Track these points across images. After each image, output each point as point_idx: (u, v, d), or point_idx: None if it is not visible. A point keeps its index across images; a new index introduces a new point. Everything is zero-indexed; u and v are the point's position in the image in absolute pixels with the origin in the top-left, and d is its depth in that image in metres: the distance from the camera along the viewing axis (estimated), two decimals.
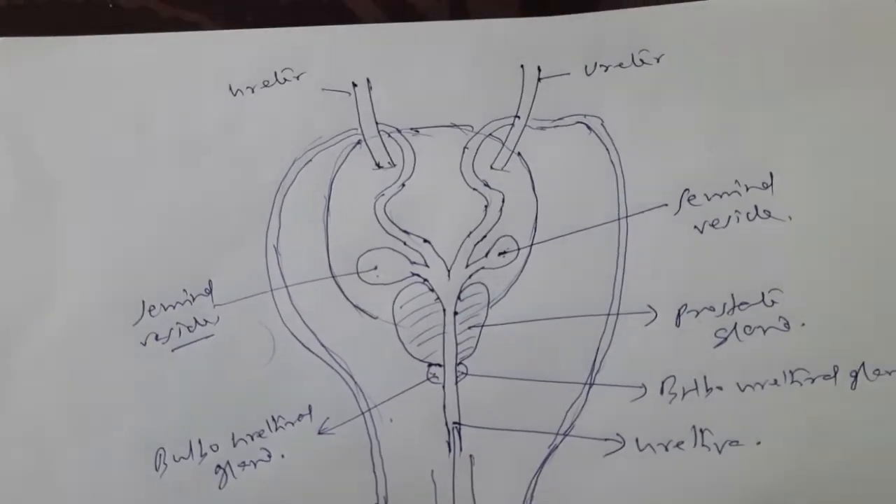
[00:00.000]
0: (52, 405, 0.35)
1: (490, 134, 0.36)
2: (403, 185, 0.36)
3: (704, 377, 0.34)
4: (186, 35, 0.37)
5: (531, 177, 0.35)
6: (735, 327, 0.34)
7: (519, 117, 0.36)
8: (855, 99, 0.35)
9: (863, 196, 0.34)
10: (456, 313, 0.35)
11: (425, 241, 0.36)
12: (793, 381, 0.34)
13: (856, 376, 0.34)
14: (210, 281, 0.36)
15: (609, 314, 0.35)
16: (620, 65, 0.35)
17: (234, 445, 0.35)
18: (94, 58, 0.37)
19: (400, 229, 0.36)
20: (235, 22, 0.37)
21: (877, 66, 0.35)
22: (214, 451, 0.35)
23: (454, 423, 0.35)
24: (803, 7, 0.35)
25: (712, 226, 0.35)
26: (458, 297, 0.35)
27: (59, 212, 0.36)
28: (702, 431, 0.34)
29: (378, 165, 0.36)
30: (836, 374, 0.34)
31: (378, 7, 0.37)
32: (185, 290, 0.36)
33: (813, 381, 0.34)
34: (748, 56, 0.35)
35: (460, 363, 0.35)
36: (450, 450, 0.35)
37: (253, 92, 0.36)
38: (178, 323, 0.35)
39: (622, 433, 0.34)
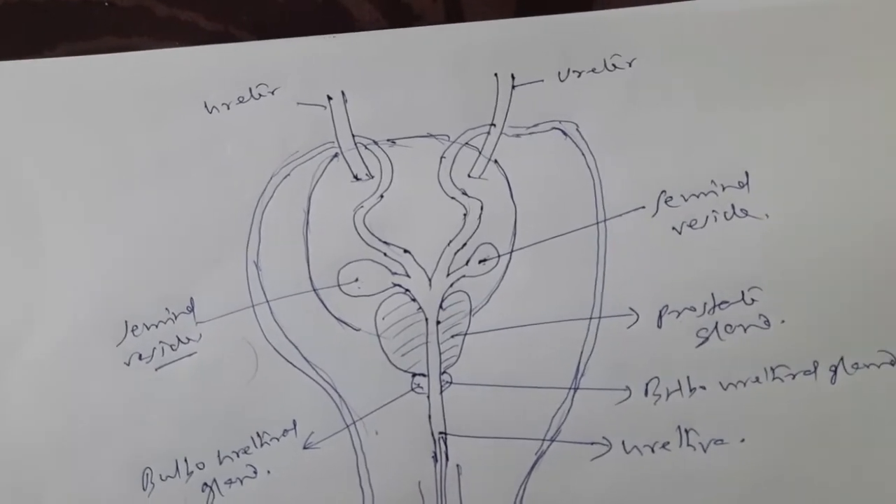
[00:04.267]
0: (38, 428, 0.35)
1: (466, 143, 0.36)
2: (382, 196, 0.36)
3: (688, 377, 0.34)
4: (159, 53, 0.37)
5: (509, 184, 0.36)
6: (716, 326, 0.34)
7: (494, 125, 0.36)
8: (827, 97, 0.35)
9: (838, 191, 0.35)
10: (438, 322, 0.35)
11: (405, 251, 0.36)
12: (774, 378, 0.34)
13: (835, 371, 0.34)
14: (192, 299, 0.36)
15: (591, 318, 0.35)
16: (593, 70, 0.35)
17: (220, 463, 0.35)
18: (69, 80, 0.36)
19: (380, 240, 0.36)
20: (231, 21, 0.37)
21: (849, 64, 0.35)
22: (201, 468, 0.35)
23: (440, 433, 0.35)
24: (774, 7, 0.35)
25: (690, 226, 0.35)
26: (440, 306, 0.35)
27: (40, 234, 0.36)
28: (687, 431, 0.34)
29: (356, 178, 0.36)
30: (816, 369, 0.34)
31: (373, 7, 0.37)
32: (167, 309, 0.36)
33: (794, 377, 0.34)
34: (720, 57, 0.35)
35: (444, 372, 0.35)
36: (436, 460, 0.35)
37: (228, 108, 0.36)
38: (161, 342, 0.35)
39: (608, 436, 0.34)
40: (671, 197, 0.35)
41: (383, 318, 0.35)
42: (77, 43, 0.37)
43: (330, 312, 0.35)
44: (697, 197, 0.35)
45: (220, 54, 0.36)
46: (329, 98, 0.36)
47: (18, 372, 0.35)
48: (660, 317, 0.35)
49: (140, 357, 0.35)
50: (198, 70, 0.36)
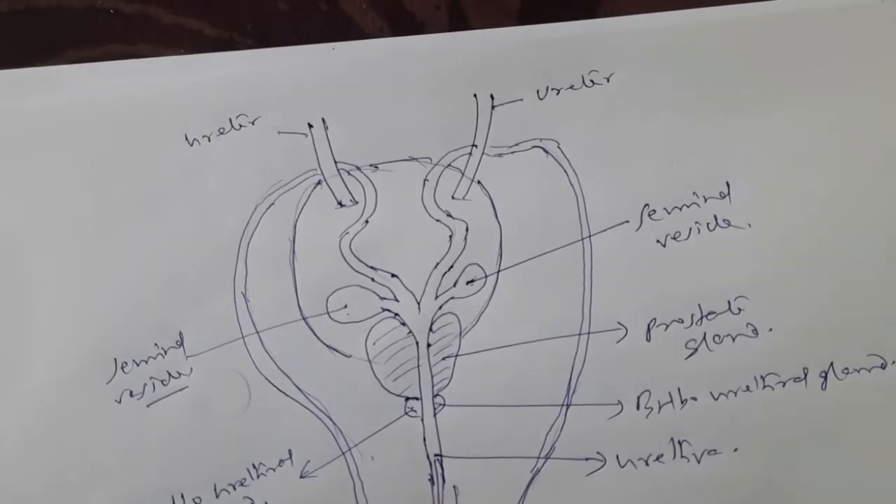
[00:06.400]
0: (31, 469, 0.35)
1: (449, 164, 0.36)
2: (367, 221, 0.36)
3: (678, 389, 0.34)
4: (138, 81, 0.36)
5: (493, 204, 0.36)
6: (704, 337, 0.35)
7: (476, 146, 0.36)
8: (806, 106, 0.35)
9: (818, 198, 0.35)
10: (429, 345, 0.35)
11: (393, 275, 0.36)
12: (765, 387, 0.34)
13: (825, 377, 0.34)
14: (181, 333, 0.35)
15: (580, 334, 0.35)
16: (572, 87, 0.36)
17: (217, 496, 0.35)
18: (52, 109, 0.36)
19: (367, 266, 0.36)
20: (235, 29, 0.37)
21: (827, 74, 0.35)
22: (197, 503, 0.35)
23: (435, 455, 0.35)
24: (751, 17, 0.35)
25: (674, 239, 0.35)
26: (430, 329, 0.35)
27: (24, 274, 0.36)
28: (680, 443, 0.34)
29: (340, 204, 0.36)
30: (806, 376, 0.34)
31: (377, 15, 0.37)
32: (156, 345, 0.35)
33: (784, 384, 0.34)
34: (697, 69, 0.35)
35: (437, 395, 0.35)
36: (433, 483, 0.35)
37: (209, 140, 0.36)
38: (151, 378, 0.35)
39: (602, 451, 0.35)
40: (654, 210, 0.35)
41: (374, 344, 0.35)
42: (82, 50, 0.37)
43: (320, 340, 0.35)
44: (680, 209, 0.35)
45: (198, 86, 0.36)
46: (310, 126, 0.36)
47: (9, 414, 0.35)
48: (648, 330, 0.35)
49: (131, 394, 0.35)
50: (177, 103, 0.36)
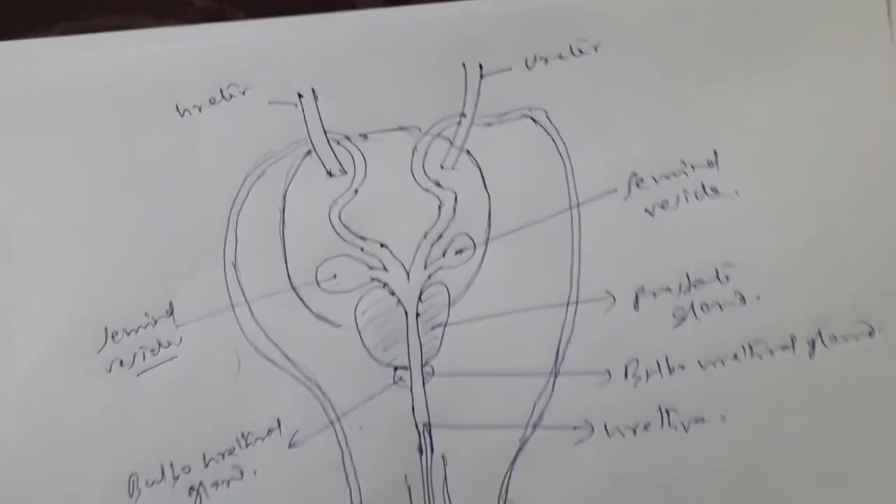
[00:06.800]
0: (22, 439, 0.35)
1: (438, 134, 0.36)
2: (356, 191, 0.36)
3: (666, 357, 0.34)
4: (127, 53, 0.36)
5: (482, 173, 0.36)
6: (692, 306, 0.35)
7: (465, 115, 0.36)
8: (793, 74, 0.35)
9: (806, 165, 0.35)
10: (418, 315, 0.35)
11: (382, 245, 0.36)
12: (752, 355, 0.34)
13: (813, 345, 0.34)
14: (171, 302, 0.36)
15: (568, 303, 0.35)
16: (560, 56, 0.36)
17: (206, 465, 0.35)
18: (40, 80, 0.36)
19: (356, 236, 0.36)
20: (226, 0, 0.37)
21: (815, 41, 0.35)
22: (187, 472, 0.35)
23: (424, 424, 0.35)
24: None
25: (662, 207, 0.35)
26: (419, 299, 0.35)
27: (16, 244, 0.36)
28: (668, 412, 0.34)
29: (330, 174, 0.36)
30: (794, 343, 0.34)
31: None
32: (146, 314, 0.36)
33: (772, 352, 0.34)
34: (685, 36, 0.35)
35: (426, 364, 0.35)
36: (422, 452, 0.35)
37: (200, 111, 0.36)
38: (141, 347, 0.35)
39: (590, 420, 0.35)
40: (642, 179, 0.35)
41: (363, 313, 0.35)
42: (73, 23, 0.37)
43: (310, 310, 0.36)
44: (668, 178, 0.35)
45: (188, 56, 0.36)
46: (300, 96, 0.36)
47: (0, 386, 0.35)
48: (636, 299, 0.35)
49: (121, 363, 0.35)
50: (168, 73, 0.36)
